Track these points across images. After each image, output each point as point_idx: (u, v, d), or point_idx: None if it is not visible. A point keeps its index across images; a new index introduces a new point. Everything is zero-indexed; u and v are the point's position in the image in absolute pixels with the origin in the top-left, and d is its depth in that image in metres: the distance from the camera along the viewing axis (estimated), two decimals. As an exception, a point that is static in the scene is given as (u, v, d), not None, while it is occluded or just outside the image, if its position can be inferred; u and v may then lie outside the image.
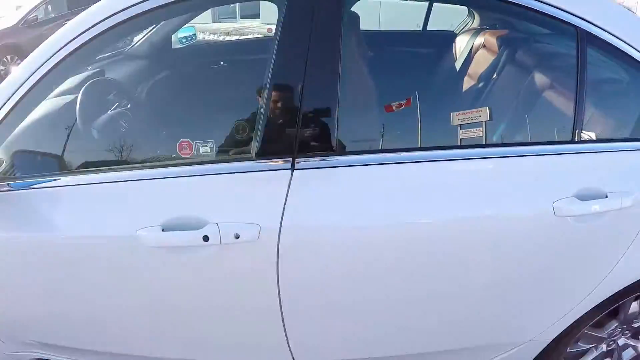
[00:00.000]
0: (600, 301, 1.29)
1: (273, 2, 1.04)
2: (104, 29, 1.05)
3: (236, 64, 1.89)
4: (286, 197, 0.95)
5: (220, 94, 1.50)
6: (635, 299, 1.38)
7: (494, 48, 1.64)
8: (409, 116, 1.12)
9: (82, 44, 1.06)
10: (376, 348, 1.24)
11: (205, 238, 0.95)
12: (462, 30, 2.15)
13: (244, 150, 1.04)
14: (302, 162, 0.96)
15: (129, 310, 1.17)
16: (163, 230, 0.97)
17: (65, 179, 1.10)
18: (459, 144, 1.09)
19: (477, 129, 1.11)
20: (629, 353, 1.58)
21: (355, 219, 0.99)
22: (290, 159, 0.96)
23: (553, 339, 1.35)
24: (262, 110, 0.96)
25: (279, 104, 0.96)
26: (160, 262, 1.04)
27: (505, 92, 1.30)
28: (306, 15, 0.93)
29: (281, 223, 0.95)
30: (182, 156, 1.05)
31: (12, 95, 1.05)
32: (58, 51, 1.05)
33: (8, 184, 1.07)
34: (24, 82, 1.05)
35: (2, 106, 1.05)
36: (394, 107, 1.09)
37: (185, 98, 1.43)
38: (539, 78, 1.30)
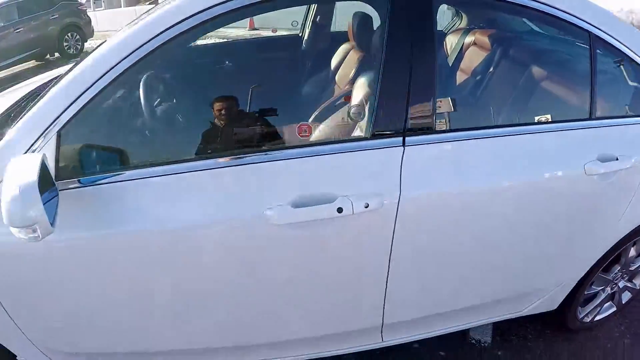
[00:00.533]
0: (611, 245, 1.60)
1: (374, 7, 1.22)
2: (186, 28, 1.08)
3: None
4: (400, 169, 1.14)
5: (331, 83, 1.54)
6: (633, 245, 1.72)
7: (487, 45, 1.92)
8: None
9: (162, 44, 1.08)
10: (458, 300, 1.47)
11: (339, 210, 1.09)
12: (450, 30, 2.42)
13: (362, 130, 1.20)
14: (410, 139, 1.16)
15: (250, 290, 1.24)
16: (293, 207, 1.09)
17: (160, 169, 1.12)
18: (518, 122, 1.34)
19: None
20: (626, 296, 1.93)
21: (456, 186, 1.20)
22: (402, 137, 1.16)
23: (577, 282, 1.66)
24: (376, 96, 1.14)
25: (391, 91, 1.14)
26: (289, 239, 1.13)
27: (536, 81, 1.57)
28: (407, 15, 1.12)
29: (400, 192, 1.14)
30: (300, 138, 1.20)
31: (85, 92, 1.06)
32: (137, 49, 1.07)
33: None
34: (99, 79, 1.06)
35: (74, 102, 1.07)
36: None
37: (307, 86, 1.50)
38: (560, 69, 1.59)
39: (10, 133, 1.10)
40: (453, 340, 1.83)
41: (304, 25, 2.51)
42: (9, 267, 1.14)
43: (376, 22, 1.68)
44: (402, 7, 1.13)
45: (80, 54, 8.65)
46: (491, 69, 1.49)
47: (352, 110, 1.18)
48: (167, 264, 1.16)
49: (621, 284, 1.87)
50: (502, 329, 1.91)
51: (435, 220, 1.22)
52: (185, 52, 1.56)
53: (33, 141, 1.07)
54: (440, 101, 1.22)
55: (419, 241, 1.23)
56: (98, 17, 9.14)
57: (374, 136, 1.15)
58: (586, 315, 1.87)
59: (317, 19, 2.43)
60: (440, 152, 1.19)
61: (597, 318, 1.91)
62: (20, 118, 1.12)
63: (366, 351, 1.55)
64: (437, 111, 1.19)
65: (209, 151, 1.30)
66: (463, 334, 1.88)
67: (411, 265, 1.27)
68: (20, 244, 1.00)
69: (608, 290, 1.85)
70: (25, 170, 0.94)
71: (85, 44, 8.81)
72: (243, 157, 1.13)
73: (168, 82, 1.75)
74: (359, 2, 1.87)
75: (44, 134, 1.07)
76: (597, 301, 1.86)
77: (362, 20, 1.87)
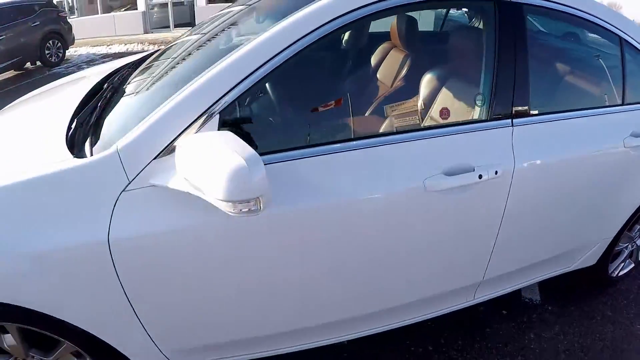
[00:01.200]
0: (638, 206, 1.98)
1: (483, 13, 1.52)
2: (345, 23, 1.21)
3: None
4: (512, 145, 1.46)
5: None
6: None
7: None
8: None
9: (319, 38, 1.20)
10: (535, 255, 1.79)
11: (480, 176, 1.37)
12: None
13: (481, 114, 1.49)
14: (517, 120, 1.48)
15: (404, 255, 1.42)
16: (447, 176, 1.33)
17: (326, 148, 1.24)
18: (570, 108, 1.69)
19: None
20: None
21: (547, 158, 1.53)
22: (510, 119, 1.47)
23: (612, 239, 2.03)
24: (492, 85, 1.44)
25: (502, 84, 1.45)
26: (441, 203, 1.36)
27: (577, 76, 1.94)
28: (513, 19, 1.44)
29: (514, 162, 1.45)
30: (442, 120, 1.49)
31: (246, 78, 1.12)
32: (299, 39, 1.17)
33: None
34: (260, 66, 1.13)
35: (236, 86, 1.11)
36: None
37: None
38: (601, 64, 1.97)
39: (156, 115, 1.10)
40: (509, 301, 2.16)
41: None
42: (155, 259, 1.13)
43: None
44: (507, 21, 1.45)
45: (62, 62, 8.51)
46: (558, 68, 1.84)
47: (477, 98, 1.48)
48: (342, 234, 1.28)
49: (639, 242, 2.28)
50: (544, 289, 2.27)
51: (535, 185, 1.55)
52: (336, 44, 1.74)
53: (190, 122, 1.08)
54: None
55: (523, 203, 1.54)
56: (75, 25, 9.00)
57: (491, 119, 1.46)
58: (613, 270, 2.25)
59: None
60: (537, 131, 1.52)
61: (621, 273, 2.30)
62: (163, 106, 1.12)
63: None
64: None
65: (370, 132, 1.51)
66: (515, 294, 2.21)
67: (514, 225, 1.57)
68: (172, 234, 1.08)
69: (629, 247, 2.25)
70: (226, 145, 0.96)
71: (67, 51, 8.66)
72: (398, 135, 1.39)
73: (324, 71, 1.95)
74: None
75: (204, 114, 1.09)
76: (622, 257, 2.25)
77: (409, 23, 2.13)
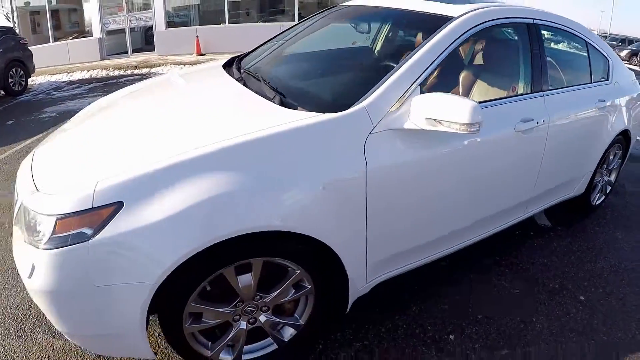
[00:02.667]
0: (606, 147, 2.95)
1: (516, 32, 2.35)
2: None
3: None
4: (545, 106, 2.30)
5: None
6: (610, 149, 3.08)
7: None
8: None
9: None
10: (555, 181, 2.65)
11: (537, 122, 2.16)
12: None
13: (529, 89, 2.30)
14: (545, 93, 2.33)
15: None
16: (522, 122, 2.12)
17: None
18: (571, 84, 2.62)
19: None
20: (607, 188, 3.35)
21: (560, 114, 2.36)
22: (542, 92, 2.32)
23: (592, 172, 2.98)
24: (532, 73, 2.29)
25: (536, 71, 2.30)
26: (520, 139, 2.13)
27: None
28: (535, 34, 2.30)
29: (548, 116, 2.27)
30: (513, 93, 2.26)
31: (432, 63, 1.79)
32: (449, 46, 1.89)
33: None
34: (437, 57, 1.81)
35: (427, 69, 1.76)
36: None
37: None
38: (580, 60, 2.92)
39: (374, 96, 1.68)
40: (531, 227, 3.02)
41: (375, 39, 3.41)
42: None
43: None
44: (533, 34, 2.31)
45: (25, 91, 8.35)
46: (558, 61, 2.73)
47: (526, 80, 2.30)
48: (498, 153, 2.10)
49: (605, 179, 3.28)
50: (551, 218, 3.17)
51: (556, 130, 2.37)
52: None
53: (406, 89, 1.69)
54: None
55: (552, 140, 2.36)
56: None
57: (533, 92, 2.28)
58: (593, 199, 3.22)
59: (389, 35, 3.45)
60: (555, 98, 2.37)
61: (597, 202, 3.28)
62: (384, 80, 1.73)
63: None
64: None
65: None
66: (533, 222, 3.08)
67: (548, 156, 2.39)
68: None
69: (601, 182, 3.24)
70: (455, 97, 1.60)
71: (29, 79, 8.50)
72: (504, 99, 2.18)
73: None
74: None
75: (413, 84, 1.71)
76: (597, 189, 3.23)
77: (393, 38, 2.75)
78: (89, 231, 1.31)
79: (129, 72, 9.46)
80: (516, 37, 2.41)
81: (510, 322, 2.12)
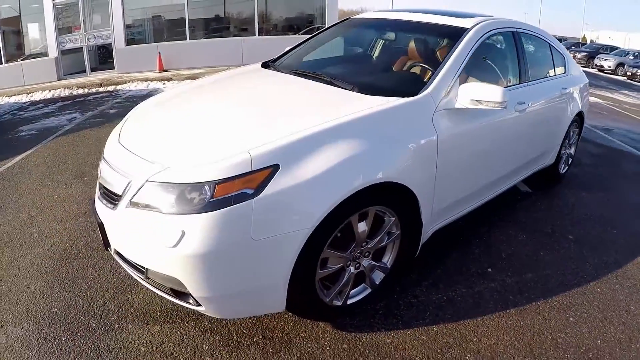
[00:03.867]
0: (568, 125, 3.76)
1: (505, 38, 3.04)
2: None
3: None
4: (530, 93, 3.04)
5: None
6: (571, 127, 3.91)
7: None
8: None
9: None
10: (540, 148, 3.40)
11: (524, 103, 2.86)
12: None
13: (517, 80, 2.99)
14: (528, 83, 3.05)
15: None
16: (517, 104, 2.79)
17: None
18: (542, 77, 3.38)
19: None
20: (569, 160, 4.19)
21: (542, 98, 3.12)
22: (526, 82, 3.04)
23: (560, 145, 3.78)
24: (519, 69, 3.00)
25: (522, 66, 3.02)
26: (517, 117, 2.81)
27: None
28: (519, 39, 3.01)
29: (530, 101, 2.97)
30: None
31: (463, 60, 2.39)
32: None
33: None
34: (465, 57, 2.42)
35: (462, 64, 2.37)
36: None
37: None
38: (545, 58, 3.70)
39: (434, 84, 2.23)
40: (517, 193, 3.74)
41: (373, 47, 4.00)
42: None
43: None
44: (517, 40, 3.02)
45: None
46: (531, 59, 3.46)
47: (514, 74, 2.98)
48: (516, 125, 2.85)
49: (567, 152, 4.11)
50: (530, 185, 3.92)
51: (536, 110, 3.09)
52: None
53: (453, 79, 2.27)
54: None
55: (534, 118, 3.09)
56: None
57: (521, 83, 2.99)
58: (560, 169, 4.02)
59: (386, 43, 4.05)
60: (534, 87, 3.08)
61: (563, 171, 4.10)
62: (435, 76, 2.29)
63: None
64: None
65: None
66: (517, 190, 3.80)
67: (534, 131, 3.13)
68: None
69: (564, 154, 4.05)
70: (489, 85, 2.21)
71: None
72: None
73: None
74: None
75: (455, 76, 2.30)
76: (563, 160, 4.03)
77: (423, 43, 3.58)
78: (250, 191, 1.56)
79: (94, 90, 9.36)
80: (505, 42, 3.10)
81: (526, 257, 2.76)
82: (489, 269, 2.60)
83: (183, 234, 1.56)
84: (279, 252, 1.64)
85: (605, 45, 26.83)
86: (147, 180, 1.69)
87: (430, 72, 2.40)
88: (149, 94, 8.68)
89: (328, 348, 1.90)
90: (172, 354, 1.87)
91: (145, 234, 1.68)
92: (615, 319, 2.26)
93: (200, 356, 1.86)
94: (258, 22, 11.93)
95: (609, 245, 2.99)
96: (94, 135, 5.34)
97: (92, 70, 10.94)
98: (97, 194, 2.04)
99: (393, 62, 2.86)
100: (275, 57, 3.23)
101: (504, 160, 2.90)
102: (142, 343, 1.94)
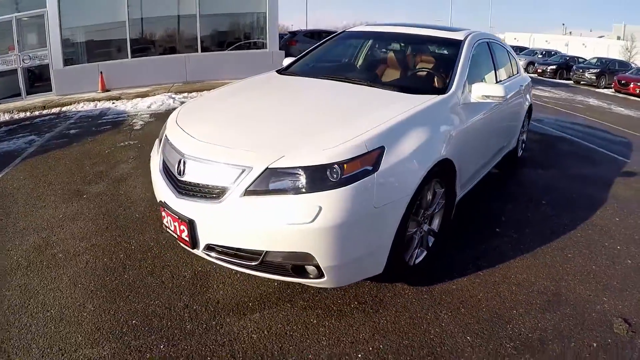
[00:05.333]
0: (524, 116, 4.66)
1: (483, 47, 3.77)
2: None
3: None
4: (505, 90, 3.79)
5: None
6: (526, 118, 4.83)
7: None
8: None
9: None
10: (510, 135, 4.20)
11: (505, 98, 3.59)
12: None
13: (495, 80, 3.73)
14: (500, 82, 3.82)
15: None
16: None
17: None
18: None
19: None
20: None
21: (511, 93, 3.92)
22: (502, 82, 3.80)
23: (519, 134, 4.65)
24: (495, 71, 3.73)
25: (497, 70, 3.76)
26: (492, 109, 3.52)
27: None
28: (490, 46, 3.76)
29: (507, 95, 3.73)
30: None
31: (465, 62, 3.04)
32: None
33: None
34: (467, 60, 3.05)
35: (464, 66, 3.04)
36: None
37: None
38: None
39: (456, 83, 2.80)
40: (492, 175, 4.52)
41: (357, 56, 4.56)
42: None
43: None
44: (490, 48, 3.78)
45: None
46: (499, 63, 4.27)
47: (490, 76, 3.71)
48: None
49: (522, 138, 5.00)
50: (499, 168, 4.74)
51: (510, 102, 3.91)
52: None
53: (463, 83, 2.84)
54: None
55: (505, 110, 3.88)
56: None
57: (497, 83, 3.74)
58: (518, 152, 4.90)
59: (370, 53, 4.63)
60: (506, 85, 3.87)
61: (520, 154, 4.98)
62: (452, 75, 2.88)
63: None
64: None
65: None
66: (491, 172, 4.59)
67: (507, 122, 3.91)
68: None
69: (521, 140, 4.94)
70: (492, 84, 3.11)
71: None
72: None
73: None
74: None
75: (465, 79, 2.88)
76: (520, 144, 4.92)
77: (429, 51, 4.25)
78: (369, 168, 1.94)
79: (37, 113, 8.83)
80: (485, 50, 3.82)
81: (519, 219, 3.46)
82: (497, 229, 3.25)
83: (320, 209, 1.81)
84: (390, 217, 2.06)
85: (513, 46, 30.29)
86: (267, 168, 1.88)
87: (443, 75, 3.00)
88: (102, 113, 8.47)
89: (414, 300, 2.34)
90: (287, 333, 2.03)
91: (269, 218, 1.85)
92: (597, 252, 3.01)
93: (314, 329, 2.06)
94: (200, 38, 12.03)
95: (573, 205, 3.82)
96: (66, 155, 5.06)
97: (29, 93, 10.25)
98: (172, 196, 2.12)
99: (406, 67, 3.43)
100: (285, 66, 3.61)
101: (493, 142, 3.61)
102: (251, 331, 2.04)
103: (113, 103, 9.35)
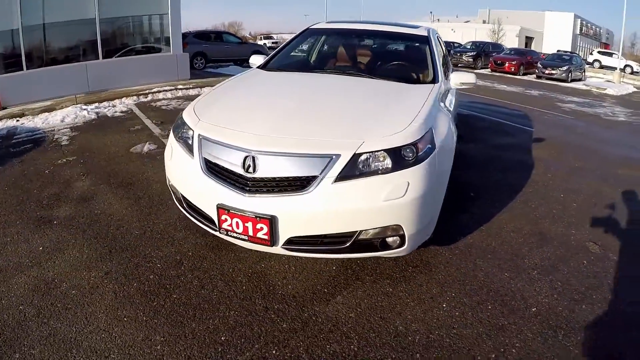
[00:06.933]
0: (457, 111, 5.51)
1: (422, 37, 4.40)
2: None
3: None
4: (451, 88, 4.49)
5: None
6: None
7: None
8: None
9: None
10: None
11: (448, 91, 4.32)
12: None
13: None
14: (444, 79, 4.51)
15: None
16: None
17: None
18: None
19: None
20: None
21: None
22: (447, 78, 4.48)
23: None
24: (443, 67, 4.38)
25: (443, 67, 4.40)
26: None
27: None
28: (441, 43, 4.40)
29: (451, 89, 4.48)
30: None
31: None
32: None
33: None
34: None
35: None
36: None
37: None
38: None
39: (440, 74, 3.27)
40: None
41: (311, 52, 4.65)
42: None
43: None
44: (439, 41, 4.43)
45: None
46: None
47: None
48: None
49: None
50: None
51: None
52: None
53: (443, 73, 3.40)
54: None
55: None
56: None
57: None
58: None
59: (323, 49, 4.95)
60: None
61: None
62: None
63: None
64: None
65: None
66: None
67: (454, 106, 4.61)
68: None
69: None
70: (465, 72, 3.54)
71: None
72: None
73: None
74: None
75: (443, 69, 3.49)
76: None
77: (402, 46, 4.74)
78: (430, 145, 2.25)
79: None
80: (438, 42, 4.43)
81: (483, 182, 4.20)
82: (472, 194, 3.92)
83: (408, 184, 2.08)
84: (444, 184, 2.47)
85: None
86: (354, 154, 2.06)
87: (424, 68, 3.50)
88: (11, 132, 7.54)
89: (451, 256, 2.79)
90: (376, 304, 2.24)
91: (364, 198, 2.03)
92: (550, 200, 3.86)
93: (395, 295, 2.33)
94: (102, 44, 11.20)
95: (512, 168, 4.72)
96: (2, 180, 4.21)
97: None
98: (237, 196, 2.09)
99: (391, 61, 3.83)
100: (264, 62, 3.68)
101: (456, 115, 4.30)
102: (347, 311, 2.18)
103: (17, 120, 8.30)
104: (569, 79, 18.22)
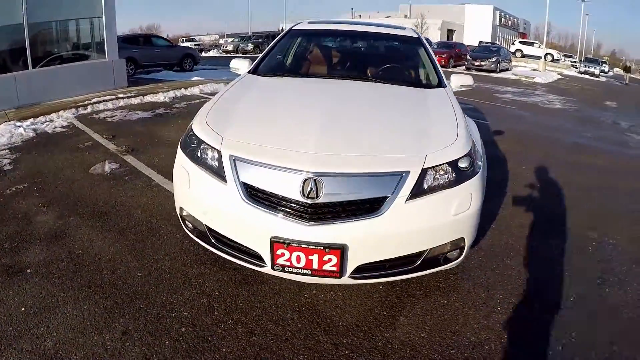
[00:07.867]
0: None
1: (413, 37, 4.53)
2: None
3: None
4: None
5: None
6: None
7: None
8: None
9: None
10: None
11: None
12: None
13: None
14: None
15: None
16: None
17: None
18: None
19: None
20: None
21: None
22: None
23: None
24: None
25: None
26: None
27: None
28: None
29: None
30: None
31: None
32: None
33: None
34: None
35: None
36: None
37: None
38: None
39: (444, 76, 3.39)
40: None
41: (286, 54, 4.41)
42: None
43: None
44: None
45: None
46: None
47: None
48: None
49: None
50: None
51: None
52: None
53: (443, 75, 3.40)
54: None
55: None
56: None
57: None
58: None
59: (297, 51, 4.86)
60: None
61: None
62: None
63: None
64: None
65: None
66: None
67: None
68: None
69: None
70: (463, 75, 3.53)
71: None
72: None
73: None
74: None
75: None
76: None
77: (399, 47, 4.72)
78: (475, 153, 2.25)
79: None
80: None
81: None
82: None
83: (472, 196, 2.08)
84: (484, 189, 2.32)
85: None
86: (422, 169, 1.98)
87: (428, 71, 3.61)
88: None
89: (481, 259, 2.91)
90: (440, 319, 2.24)
91: (435, 215, 1.99)
92: (540, 190, 4.19)
93: (450, 307, 2.33)
94: (31, 52, 10.20)
95: (487, 162, 5.04)
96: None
97: None
98: (297, 226, 1.91)
99: (388, 65, 3.78)
100: (253, 67, 3.50)
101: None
102: (418, 331, 2.14)
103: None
104: (498, 70, 19.69)
